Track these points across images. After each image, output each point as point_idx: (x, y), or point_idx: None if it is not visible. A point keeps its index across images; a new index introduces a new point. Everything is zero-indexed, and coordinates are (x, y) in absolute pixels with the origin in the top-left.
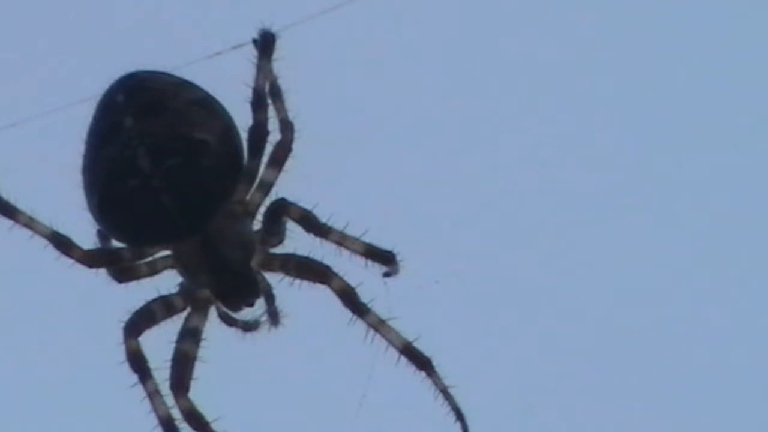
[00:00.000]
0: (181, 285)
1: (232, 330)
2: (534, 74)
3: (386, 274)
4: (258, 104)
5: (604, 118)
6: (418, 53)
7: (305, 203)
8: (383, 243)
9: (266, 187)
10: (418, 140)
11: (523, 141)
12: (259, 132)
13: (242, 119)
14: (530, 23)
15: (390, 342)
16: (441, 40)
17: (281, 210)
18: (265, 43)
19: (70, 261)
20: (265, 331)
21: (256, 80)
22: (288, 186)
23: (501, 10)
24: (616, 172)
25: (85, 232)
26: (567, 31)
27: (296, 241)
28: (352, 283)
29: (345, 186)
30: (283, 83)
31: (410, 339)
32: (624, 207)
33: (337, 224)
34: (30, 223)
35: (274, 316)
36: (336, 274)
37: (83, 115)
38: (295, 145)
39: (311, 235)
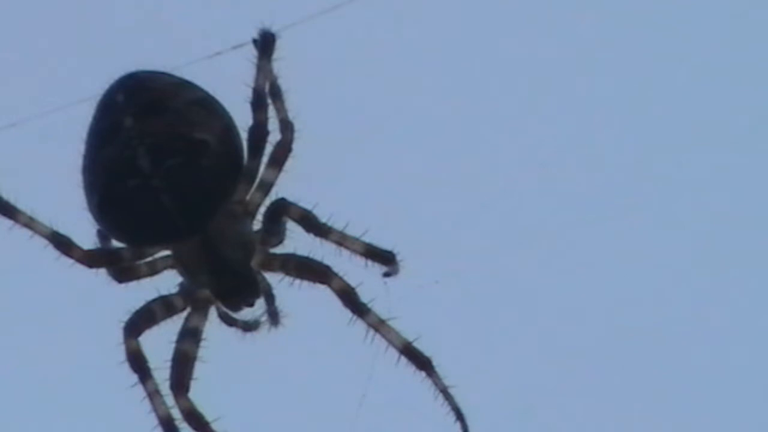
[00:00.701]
0: (181, 285)
1: (232, 330)
2: (534, 74)
3: (386, 274)
4: (258, 104)
5: (604, 117)
6: (418, 53)
7: (305, 203)
8: (383, 243)
9: (266, 187)
10: (418, 140)
11: (523, 141)
12: (259, 132)
13: (242, 119)
14: (530, 23)
15: (390, 342)
16: (441, 40)
17: (281, 210)
18: (265, 43)
19: (70, 261)
20: (265, 331)
21: (256, 80)
22: (288, 186)
23: (501, 10)
24: (616, 171)
25: (85, 232)
26: (567, 30)
27: (296, 241)
28: (352, 283)
29: (345, 186)
30: (283, 83)
31: (410, 339)
32: (624, 207)
33: (337, 224)
34: (30, 223)
35: (274, 316)
36: (336, 274)
37: (83, 115)
38: (295, 145)
39: (311, 235)
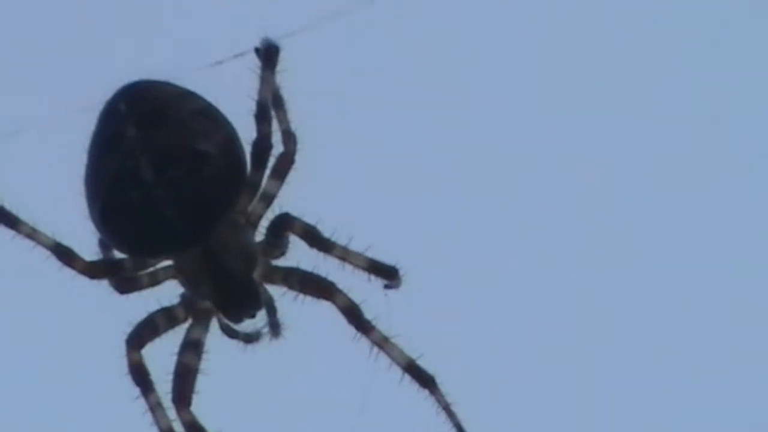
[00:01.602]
0: (182, 296)
1: (234, 342)
2: (536, 82)
3: (387, 286)
4: (261, 117)
5: (602, 121)
6: (423, 62)
7: (308, 217)
8: (380, 249)
9: (269, 198)
10: (422, 151)
11: (524, 152)
12: (262, 145)
13: (243, 126)
14: (531, 32)
15: (393, 359)
16: (446, 49)
17: (285, 225)
18: (269, 55)
19: (73, 272)
20: (266, 343)
21: (260, 92)
22: (289, 196)
23: (506, 22)
24: (615, 176)
25: (83, 241)
26: (566, 40)
27: (298, 251)
28: (357, 299)
29: (346, 196)
30: (286, 93)
31: (414, 356)
32: (624, 211)
33: (341, 239)
34: (32, 234)
35: (275, 328)
36: (340, 291)
37: (86, 124)
38: (297, 157)
39: (314, 250)
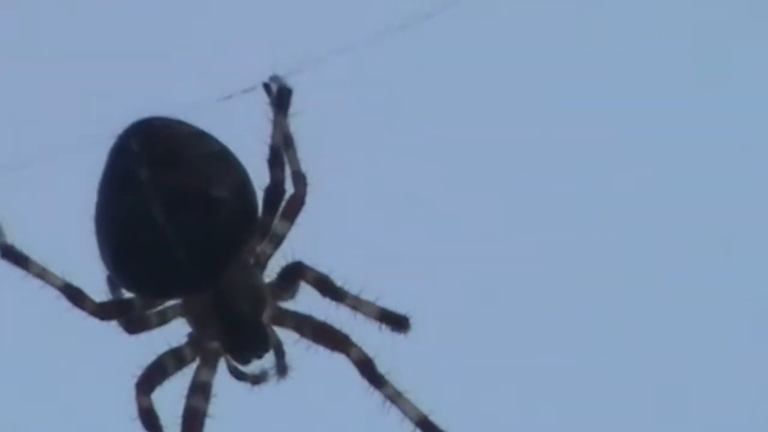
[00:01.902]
0: (190, 335)
1: (241, 384)
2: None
3: (395, 330)
4: (275, 162)
5: (598, 132)
6: (434, 99)
7: (314, 254)
8: (388, 288)
9: (278, 239)
10: (436, 190)
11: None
12: (276, 191)
13: (252, 162)
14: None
15: (406, 414)
16: (457, 83)
17: (298, 273)
18: (281, 98)
19: (83, 313)
20: (273, 384)
21: (273, 137)
22: (297, 235)
23: (518, 61)
24: (613, 191)
25: (91, 278)
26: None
27: (305, 295)
28: (370, 353)
29: (356, 236)
30: (296, 133)
31: (426, 412)
32: (624, 231)
33: (353, 288)
34: (42, 274)
35: (282, 370)
36: (354, 344)
37: (94, 159)
38: (307, 198)
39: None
